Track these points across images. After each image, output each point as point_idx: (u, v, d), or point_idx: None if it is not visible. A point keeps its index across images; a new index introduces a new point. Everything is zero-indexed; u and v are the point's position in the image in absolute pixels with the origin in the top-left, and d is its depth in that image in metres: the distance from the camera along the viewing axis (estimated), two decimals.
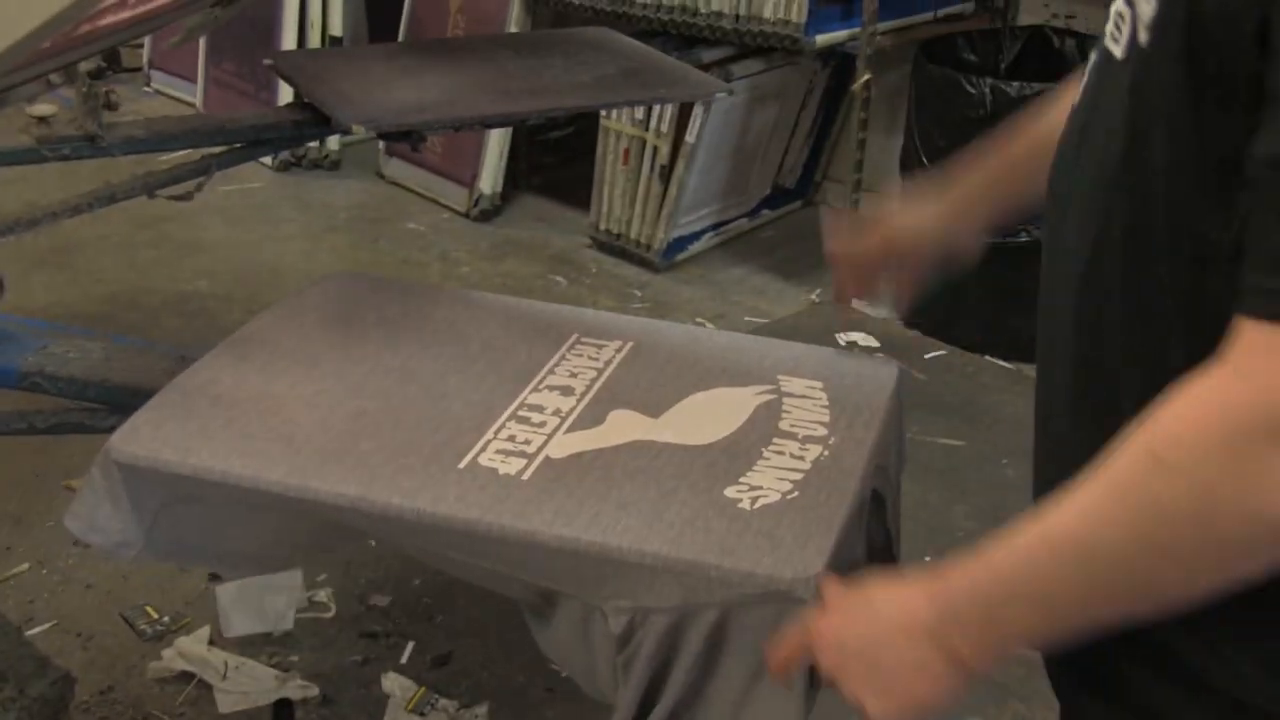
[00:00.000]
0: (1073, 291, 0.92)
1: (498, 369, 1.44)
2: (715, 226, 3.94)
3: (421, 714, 2.10)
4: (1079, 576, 0.83)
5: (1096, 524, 0.81)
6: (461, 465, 1.24)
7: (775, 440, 1.30)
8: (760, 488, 1.22)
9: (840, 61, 3.87)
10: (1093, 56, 0.95)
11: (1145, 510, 0.78)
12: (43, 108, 2.54)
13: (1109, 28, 0.89)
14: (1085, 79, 0.96)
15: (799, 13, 3.37)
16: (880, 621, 0.95)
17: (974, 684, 0.91)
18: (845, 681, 0.96)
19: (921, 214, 1.30)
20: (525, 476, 1.22)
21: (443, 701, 2.12)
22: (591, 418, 1.32)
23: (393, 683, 2.15)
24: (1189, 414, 0.77)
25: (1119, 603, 0.83)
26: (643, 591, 1.14)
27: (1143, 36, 0.82)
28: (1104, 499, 0.81)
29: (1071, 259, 0.92)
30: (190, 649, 2.19)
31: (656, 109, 3.64)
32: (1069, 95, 1.00)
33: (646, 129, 3.69)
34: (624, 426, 1.31)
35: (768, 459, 1.27)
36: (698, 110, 3.55)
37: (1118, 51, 0.87)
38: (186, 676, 2.15)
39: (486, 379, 1.42)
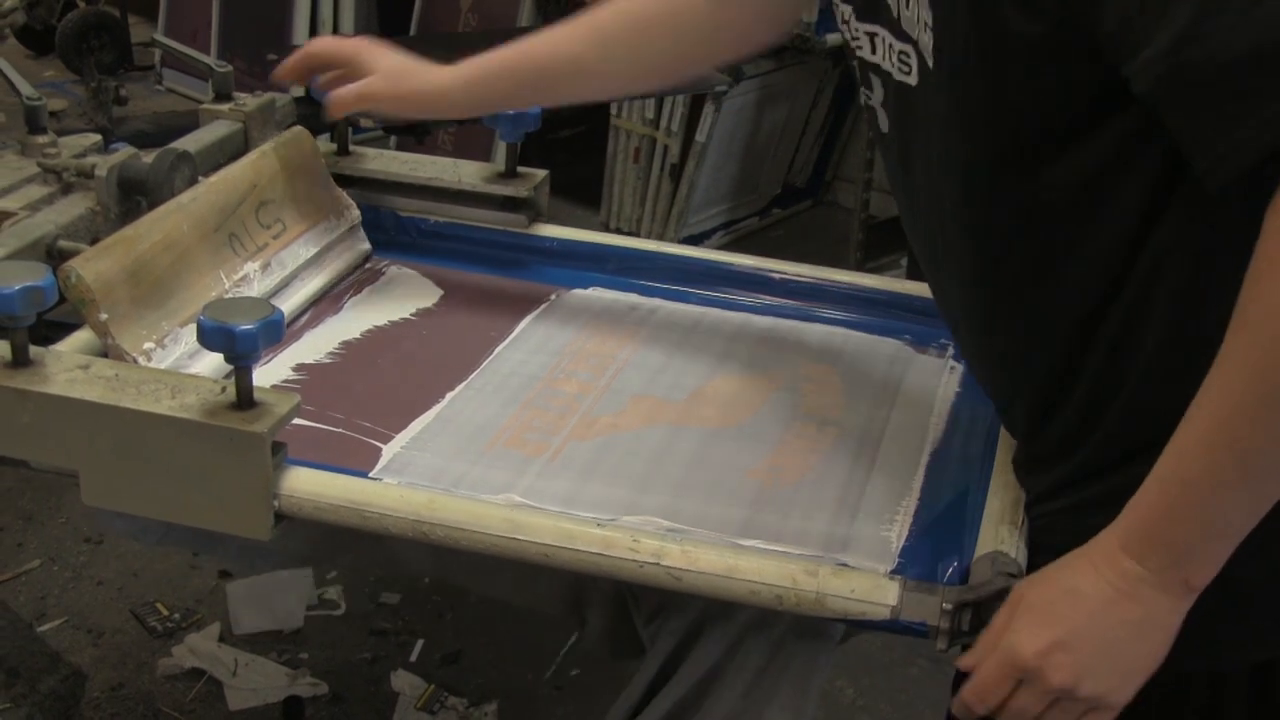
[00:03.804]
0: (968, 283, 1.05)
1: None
2: (726, 225, 3.94)
3: (431, 712, 2.11)
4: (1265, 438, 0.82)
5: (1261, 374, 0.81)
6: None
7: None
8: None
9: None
10: (875, 92, 1.07)
11: None
12: (53, 103, 2.54)
13: (894, 64, 1.01)
14: (881, 112, 1.07)
15: (809, 11, 3.37)
16: (1091, 600, 0.90)
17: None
18: (1085, 683, 0.91)
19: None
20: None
21: (452, 699, 2.12)
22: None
23: (402, 680, 2.16)
24: None
25: None
26: None
27: (931, 61, 0.95)
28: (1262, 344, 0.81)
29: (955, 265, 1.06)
30: (201, 646, 2.19)
31: (667, 107, 3.64)
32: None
33: (657, 127, 3.69)
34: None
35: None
36: (708, 109, 3.55)
37: (911, 80, 0.99)
38: (197, 673, 2.15)
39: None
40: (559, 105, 1.45)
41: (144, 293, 1.25)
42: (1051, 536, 1.03)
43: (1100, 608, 0.90)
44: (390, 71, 1.37)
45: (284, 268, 1.44)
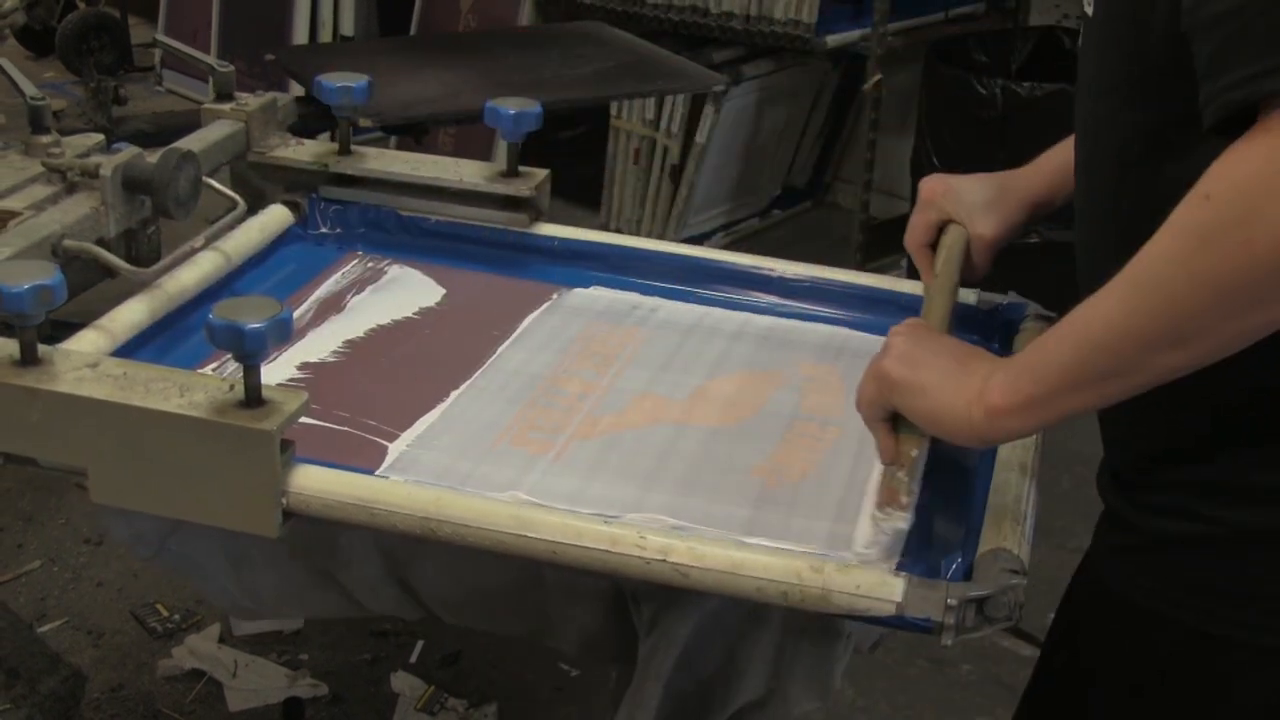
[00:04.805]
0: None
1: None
2: (726, 226, 3.94)
3: (431, 713, 2.11)
4: (1128, 314, 0.86)
5: (1149, 261, 0.85)
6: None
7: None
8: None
9: (851, 62, 3.87)
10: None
11: (1192, 238, 0.82)
12: (53, 103, 2.53)
13: None
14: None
15: (810, 13, 3.38)
16: (945, 346, 1.07)
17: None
18: (898, 371, 1.05)
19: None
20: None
21: (452, 701, 2.13)
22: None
23: (402, 681, 2.16)
24: (1239, 162, 0.81)
25: (1166, 344, 0.86)
26: None
27: None
28: (1160, 239, 0.84)
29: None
30: (200, 647, 2.19)
31: (667, 109, 3.64)
32: None
33: (657, 129, 3.69)
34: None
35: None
36: (708, 110, 3.55)
37: (1090, 10, 1.01)
38: (197, 674, 2.16)
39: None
40: None
41: None
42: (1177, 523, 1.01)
43: (942, 351, 1.06)
44: (986, 203, 1.32)
45: None
